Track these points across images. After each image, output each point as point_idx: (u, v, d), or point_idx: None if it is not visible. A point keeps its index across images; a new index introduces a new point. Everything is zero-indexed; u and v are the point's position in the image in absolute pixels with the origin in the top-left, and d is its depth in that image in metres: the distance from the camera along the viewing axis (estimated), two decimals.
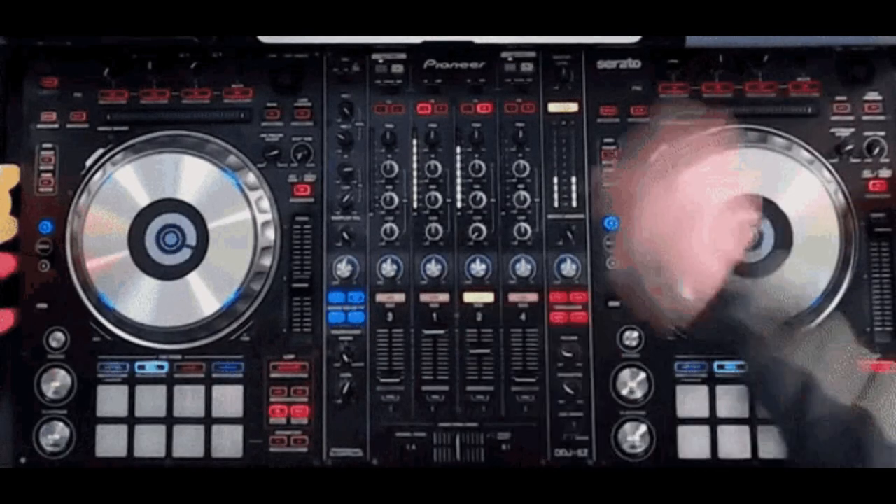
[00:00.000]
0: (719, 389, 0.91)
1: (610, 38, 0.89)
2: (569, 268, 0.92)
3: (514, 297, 0.93)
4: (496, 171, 0.94)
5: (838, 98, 0.94)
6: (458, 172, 0.94)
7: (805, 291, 0.89)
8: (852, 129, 0.94)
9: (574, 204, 0.94)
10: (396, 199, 0.94)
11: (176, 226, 0.91)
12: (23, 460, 0.92)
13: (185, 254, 0.91)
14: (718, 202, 0.78)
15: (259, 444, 0.92)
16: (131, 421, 0.92)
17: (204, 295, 0.91)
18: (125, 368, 0.92)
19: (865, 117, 0.94)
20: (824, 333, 0.74)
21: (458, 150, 0.95)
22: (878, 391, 0.68)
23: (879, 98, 0.94)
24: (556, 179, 0.94)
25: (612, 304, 0.93)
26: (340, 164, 0.94)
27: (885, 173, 0.93)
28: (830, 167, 0.93)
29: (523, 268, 0.92)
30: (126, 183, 0.92)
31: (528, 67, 0.96)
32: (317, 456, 0.92)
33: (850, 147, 0.93)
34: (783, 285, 0.85)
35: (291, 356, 0.93)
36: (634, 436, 0.91)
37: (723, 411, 0.91)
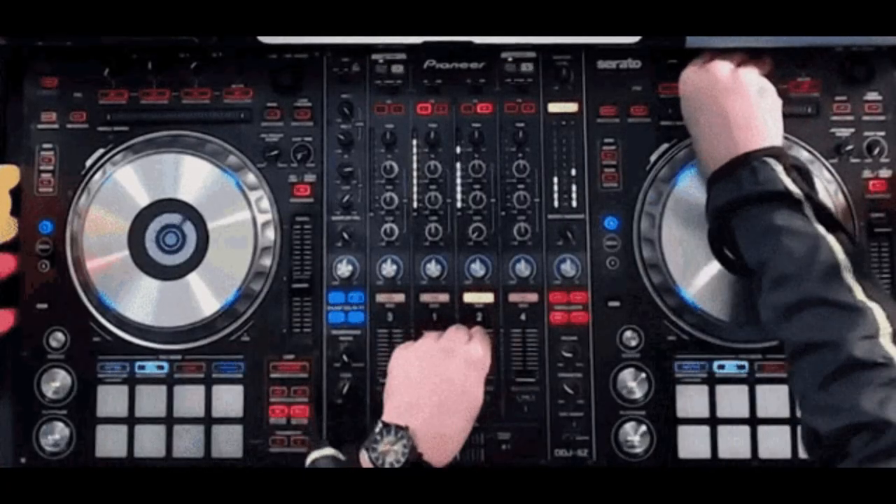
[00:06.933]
0: (719, 389, 0.91)
1: (610, 38, 0.89)
2: (569, 268, 0.92)
3: (514, 297, 0.93)
4: (496, 171, 0.94)
5: (838, 98, 0.94)
6: (458, 172, 0.94)
7: None
8: (852, 129, 0.94)
9: (574, 204, 0.94)
10: (396, 200, 0.94)
11: (176, 226, 0.91)
12: (23, 460, 0.92)
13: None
14: None
15: (259, 444, 0.92)
16: (131, 421, 0.92)
17: (204, 295, 0.91)
18: (125, 369, 0.92)
19: (865, 117, 0.94)
20: None
21: (458, 150, 0.95)
22: None
23: (879, 98, 0.94)
24: (556, 180, 0.94)
25: (612, 304, 0.93)
26: (340, 164, 0.94)
27: (885, 173, 0.93)
28: (830, 167, 0.93)
29: (523, 268, 0.92)
30: (126, 183, 0.92)
31: (528, 67, 0.96)
32: None
33: (850, 147, 0.93)
34: None
35: (291, 356, 0.93)
36: (634, 436, 0.91)
37: (723, 411, 0.91)
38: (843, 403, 0.69)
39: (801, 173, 0.82)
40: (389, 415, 0.81)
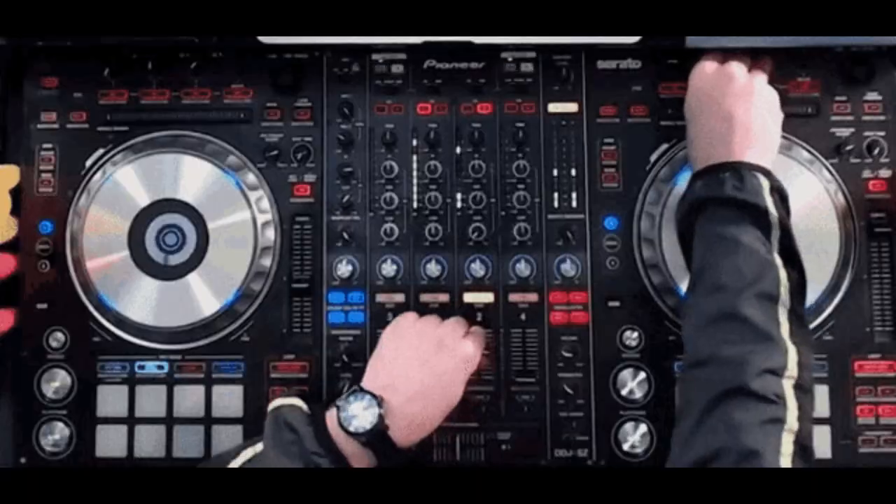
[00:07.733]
0: None
1: (610, 38, 0.89)
2: (569, 268, 0.92)
3: (514, 297, 0.93)
4: (496, 171, 0.94)
5: (838, 98, 0.94)
6: (458, 173, 0.94)
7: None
8: (852, 130, 0.94)
9: (574, 204, 0.94)
10: (396, 200, 0.94)
11: (176, 226, 0.91)
12: (23, 460, 0.92)
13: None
14: None
15: None
16: (131, 421, 0.92)
17: (204, 295, 0.91)
18: (125, 369, 0.92)
19: (865, 117, 0.94)
20: None
21: (458, 150, 0.95)
22: None
23: (879, 98, 0.94)
24: (556, 180, 0.94)
25: (612, 304, 0.93)
26: (340, 164, 0.94)
27: (885, 173, 0.93)
28: (830, 167, 0.93)
29: (523, 268, 0.92)
30: (126, 183, 0.92)
31: (528, 67, 0.96)
32: None
33: (850, 147, 0.93)
34: None
35: (291, 356, 0.93)
36: (634, 436, 0.91)
37: None
38: (722, 426, 0.69)
39: (783, 199, 0.82)
40: (369, 383, 0.82)
